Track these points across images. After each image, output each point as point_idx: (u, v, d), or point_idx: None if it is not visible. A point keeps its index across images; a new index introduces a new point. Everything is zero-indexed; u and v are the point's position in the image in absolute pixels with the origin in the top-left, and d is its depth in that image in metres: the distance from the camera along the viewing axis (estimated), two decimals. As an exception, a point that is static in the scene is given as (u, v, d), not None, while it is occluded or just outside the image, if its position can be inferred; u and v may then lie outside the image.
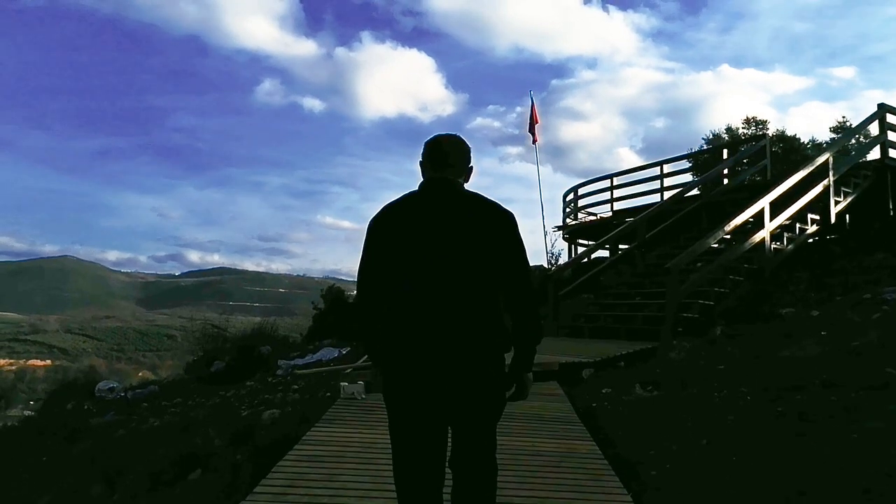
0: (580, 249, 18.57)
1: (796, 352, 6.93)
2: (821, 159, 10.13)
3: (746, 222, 9.05)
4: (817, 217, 10.22)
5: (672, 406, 5.54)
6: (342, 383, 5.54)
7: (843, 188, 10.55)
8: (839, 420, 4.45)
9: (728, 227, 8.76)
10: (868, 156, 11.86)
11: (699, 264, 9.07)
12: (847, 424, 4.30)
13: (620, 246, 14.10)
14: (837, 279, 9.72)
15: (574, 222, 17.72)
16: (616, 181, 16.30)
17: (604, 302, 10.32)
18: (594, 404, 5.99)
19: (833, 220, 10.21)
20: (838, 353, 6.44)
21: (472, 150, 2.51)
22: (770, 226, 9.27)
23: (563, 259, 17.77)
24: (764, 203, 9.19)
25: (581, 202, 17.65)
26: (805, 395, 5.19)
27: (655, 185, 15.23)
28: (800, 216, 9.88)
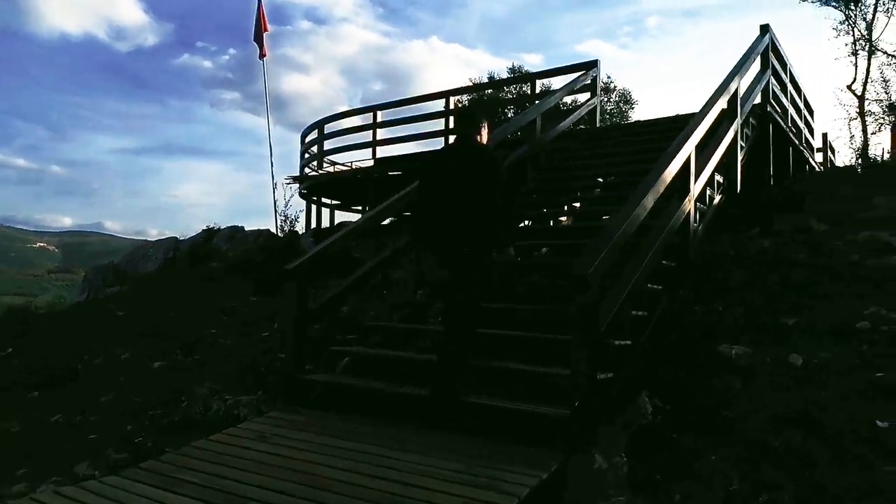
0: (325, 212, 13.46)
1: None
2: (733, 87, 6.35)
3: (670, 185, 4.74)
4: (720, 178, 6.49)
5: None
6: None
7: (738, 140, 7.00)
8: None
9: (659, 189, 4.34)
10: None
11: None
12: None
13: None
14: (777, 273, 6.00)
15: (317, 172, 12.48)
16: (381, 116, 11.39)
17: (389, 325, 5.33)
18: None
19: (739, 179, 6.60)
20: None
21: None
22: (695, 189, 5.18)
23: (302, 224, 12.49)
24: (689, 149, 5.02)
25: (328, 144, 12.44)
26: None
27: (439, 124, 10.71)
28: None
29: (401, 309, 5.59)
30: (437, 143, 10.53)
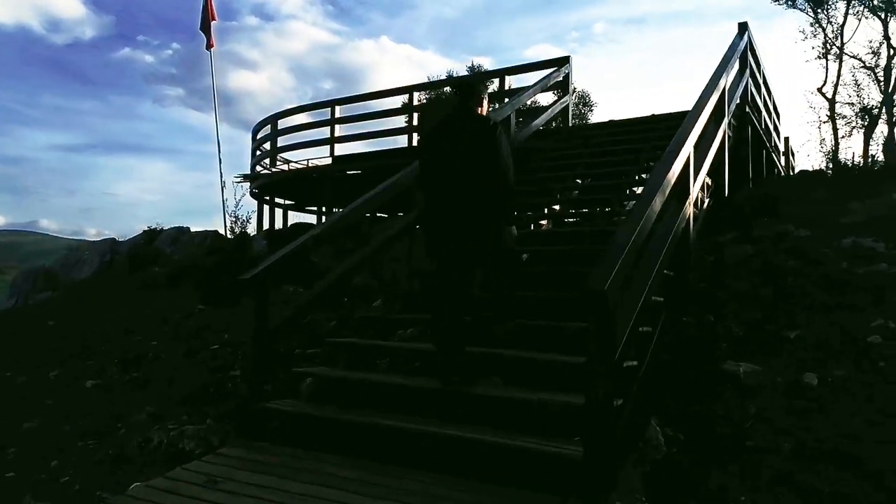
0: (278, 212, 12.74)
1: None
2: (722, 83, 6.01)
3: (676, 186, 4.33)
4: (709, 181, 6.15)
5: None
6: None
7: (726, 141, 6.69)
8: None
9: (665, 190, 3.91)
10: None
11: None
12: None
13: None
14: (768, 282, 5.65)
15: (272, 171, 11.76)
16: (340, 111, 10.76)
17: (358, 342, 4.75)
18: None
19: (727, 181, 6.29)
20: None
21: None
22: (694, 191, 4.79)
23: (254, 226, 11.75)
24: (689, 148, 4.61)
25: (282, 140, 11.73)
26: None
27: (401, 121, 10.16)
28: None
29: (369, 322, 5.02)
30: (400, 142, 9.98)
